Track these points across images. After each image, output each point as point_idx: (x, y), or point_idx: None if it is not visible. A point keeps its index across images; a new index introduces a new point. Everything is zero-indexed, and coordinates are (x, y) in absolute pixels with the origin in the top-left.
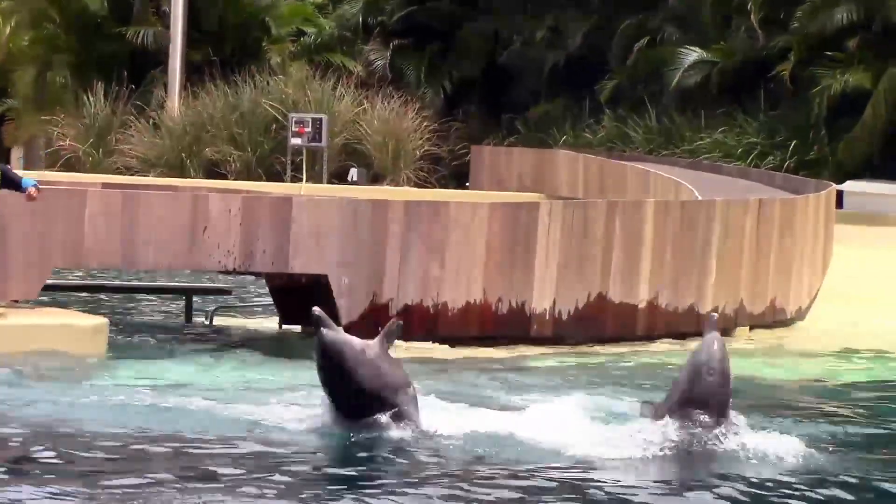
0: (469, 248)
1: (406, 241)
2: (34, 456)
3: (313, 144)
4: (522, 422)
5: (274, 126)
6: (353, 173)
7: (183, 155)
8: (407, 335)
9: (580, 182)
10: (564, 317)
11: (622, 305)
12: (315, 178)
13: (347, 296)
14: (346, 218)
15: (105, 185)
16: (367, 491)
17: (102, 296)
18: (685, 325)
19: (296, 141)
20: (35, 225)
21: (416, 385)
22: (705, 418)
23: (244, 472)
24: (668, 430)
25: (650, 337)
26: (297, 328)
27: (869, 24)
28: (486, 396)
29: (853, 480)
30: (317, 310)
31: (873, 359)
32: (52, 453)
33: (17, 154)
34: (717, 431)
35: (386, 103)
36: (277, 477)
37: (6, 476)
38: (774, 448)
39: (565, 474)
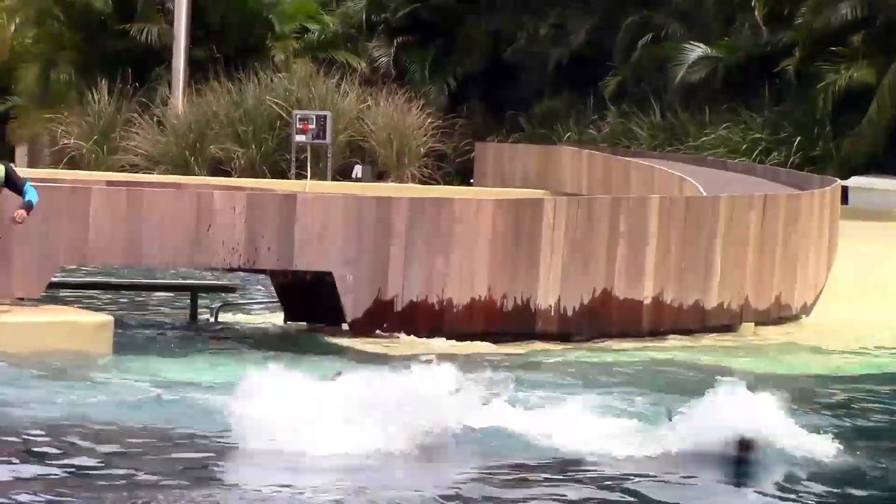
0: (474, 245)
1: (411, 238)
2: (39, 452)
3: (317, 141)
4: (537, 419)
5: (278, 123)
6: (358, 170)
7: (187, 152)
8: (412, 332)
9: (584, 178)
10: (570, 313)
11: (627, 301)
12: (319, 175)
13: (352, 293)
14: (350, 215)
15: (109, 183)
16: (377, 486)
17: (107, 293)
18: (691, 321)
19: (300, 138)
20: (39, 223)
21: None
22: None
23: (250, 468)
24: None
25: (655, 333)
26: (303, 325)
27: (873, 19)
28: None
29: (877, 474)
30: None
31: (883, 353)
32: (56, 450)
33: (21, 152)
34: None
35: (390, 100)
36: (284, 472)
37: (11, 474)
38: (801, 444)
39: (586, 474)
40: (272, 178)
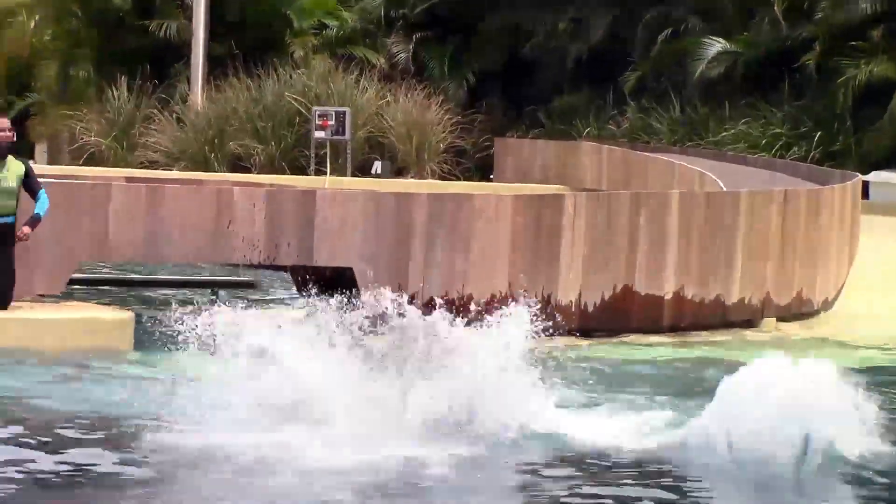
0: (493, 241)
1: (430, 234)
2: (61, 447)
3: (337, 137)
4: (568, 416)
5: (297, 119)
6: (377, 166)
7: (206, 149)
8: None
9: (604, 174)
10: (590, 309)
11: (648, 297)
12: (339, 171)
13: (372, 289)
14: (370, 211)
15: (129, 180)
16: (398, 482)
17: (128, 290)
18: (711, 317)
19: (319, 134)
20: (60, 219)
21: None
22: None
23: (273, 462)
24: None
25: (676, 328)
26: None
27: (893, 13)
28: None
29: None
30: None
31: None
32: (79, 445)
33: (40, 149)
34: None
35: (409, 96)
36: (309, 468)
37: (34, 467)
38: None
39: (624, 470)
40: (291, 174)
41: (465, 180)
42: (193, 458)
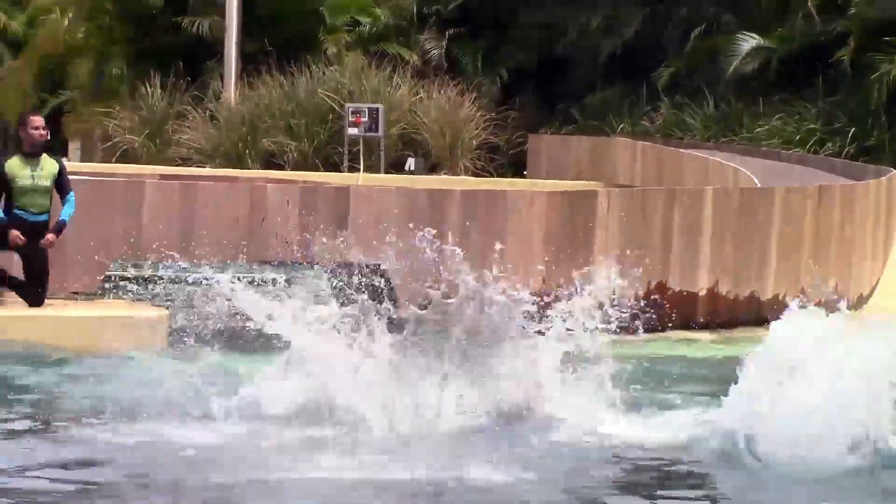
0: (527, 237)
1: (464, 231)
2: (94, 445)
3: (370, 134)
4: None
5: (330, 116)
6: (411, 163)
7: (240, 146)
8: None
9: (638, 170)
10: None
11: (682, 293)
12: (372, 167)
13: (406, 285)
14: (403, 207)
15: (163, 177)
16: (411, 479)
17: (162, 287)
18: (746, 313)
19: (353, 131)
20: (93, 217)
21: None
22: None
23: (314, 457)
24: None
25: (710, 325)
26: None
27: None
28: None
29: None
30: None
31: None
32: (112, 444)
33: (74, 146)
34: None
35: (442, 92)
36: (347, 463)
37: (60, 465)
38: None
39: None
40: (325, 171)
41: (498, 177)
42: (216, 457)
